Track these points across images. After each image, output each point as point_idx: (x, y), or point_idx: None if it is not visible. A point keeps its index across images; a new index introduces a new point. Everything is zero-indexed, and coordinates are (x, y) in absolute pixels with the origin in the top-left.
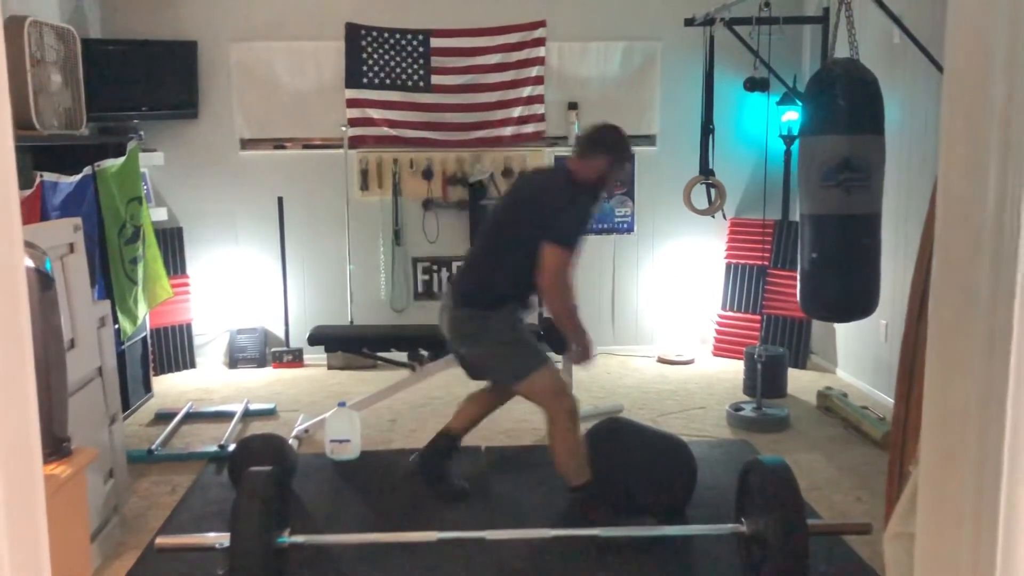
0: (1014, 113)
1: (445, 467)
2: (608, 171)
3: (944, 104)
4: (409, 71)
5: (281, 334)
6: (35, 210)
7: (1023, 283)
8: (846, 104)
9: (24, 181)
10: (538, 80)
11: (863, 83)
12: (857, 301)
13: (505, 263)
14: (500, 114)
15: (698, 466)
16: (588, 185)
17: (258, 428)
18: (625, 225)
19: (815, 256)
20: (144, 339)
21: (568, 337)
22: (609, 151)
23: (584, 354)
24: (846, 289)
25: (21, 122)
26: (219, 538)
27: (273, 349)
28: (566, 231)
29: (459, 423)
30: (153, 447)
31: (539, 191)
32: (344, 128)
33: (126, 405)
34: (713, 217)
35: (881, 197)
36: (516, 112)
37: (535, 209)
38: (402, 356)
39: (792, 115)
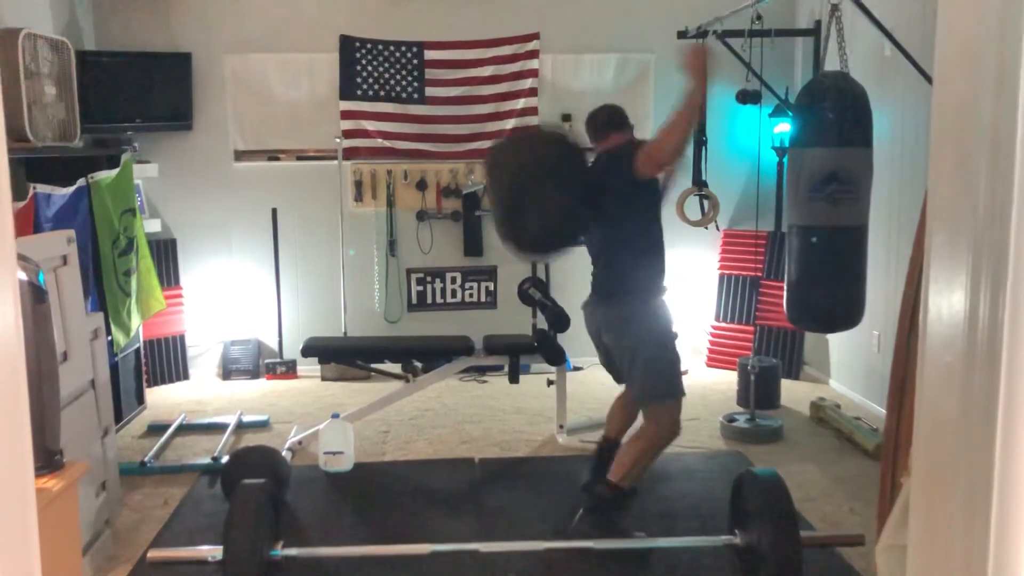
0: (1003, 126)
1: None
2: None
3: (934, 116)
4: (403, 83)
5: (275, 345)
6: (28, 222)
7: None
8: (835, 117)
9: (17, 193)
10: (532, 92)
11: (852, 96)
12: (842, 312)
13: (619, 246)
14: (494, 126)
15: (692, 477)
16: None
17: (251, 440)
18: None
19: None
20: (137, 351)
21: (696, 94)
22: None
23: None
24: (832, 300)
25: (15, 134)
26: (212, 551)
27: (267, 360)
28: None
29: (615, 428)
30: (146, 459)
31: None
32: (338, 139)
33: (119, 417)
34: (706, 228)
35: (868, 210)
36: (510, 124)
37: (603, 182)
38: (396, 368)
39: (784, 127)
